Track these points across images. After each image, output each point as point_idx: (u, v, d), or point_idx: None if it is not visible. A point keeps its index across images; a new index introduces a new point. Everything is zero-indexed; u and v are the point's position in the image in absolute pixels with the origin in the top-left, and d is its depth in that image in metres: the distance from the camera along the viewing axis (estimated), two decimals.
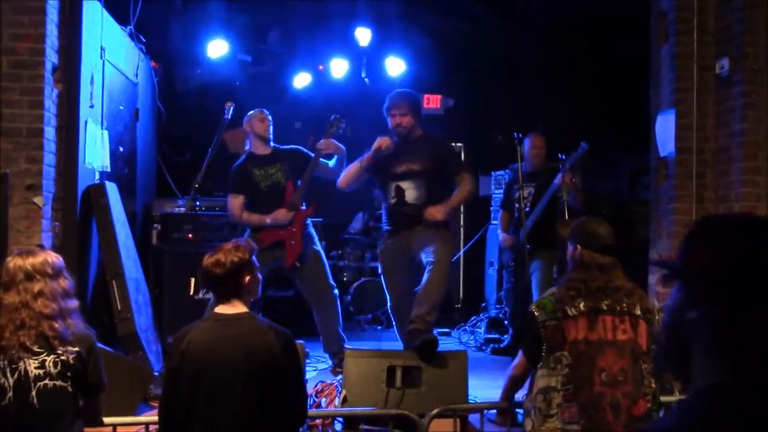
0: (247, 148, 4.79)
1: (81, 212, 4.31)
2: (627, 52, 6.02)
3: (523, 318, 2.95)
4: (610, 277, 2.76)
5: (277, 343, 2.55)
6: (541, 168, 5.21)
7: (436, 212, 4.04)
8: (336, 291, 4.69)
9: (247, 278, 2.65)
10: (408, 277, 4.25)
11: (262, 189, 4.60)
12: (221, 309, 2.64)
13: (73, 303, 2.64)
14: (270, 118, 4.70)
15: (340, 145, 4.64)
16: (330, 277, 4.68)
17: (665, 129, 4.42)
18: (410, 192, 4.22)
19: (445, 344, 5.48)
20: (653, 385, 2.68)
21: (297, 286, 4.94)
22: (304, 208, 4.63)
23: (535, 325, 2.74)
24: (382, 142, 4.24)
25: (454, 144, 7.74)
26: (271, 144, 4.71)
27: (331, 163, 4.70)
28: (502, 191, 6.57)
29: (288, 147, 4.78)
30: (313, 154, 4.65)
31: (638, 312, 2.72)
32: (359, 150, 4.57)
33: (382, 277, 4.37)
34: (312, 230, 4.71)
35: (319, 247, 4.72)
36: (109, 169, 4.75)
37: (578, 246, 2.85)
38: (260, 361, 2.51)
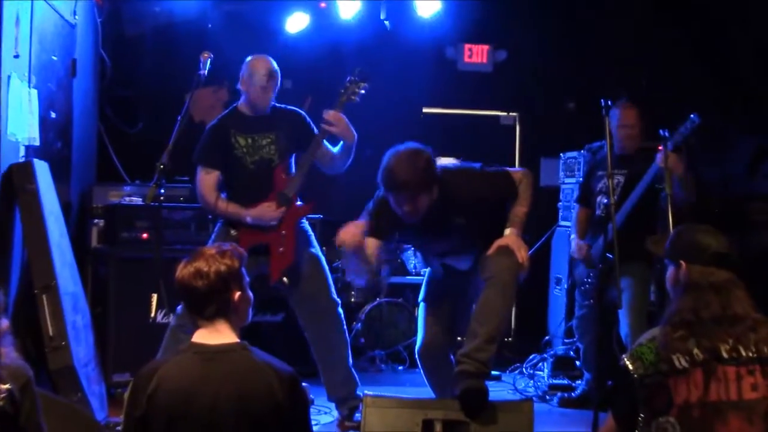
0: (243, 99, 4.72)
1: (0, 201, 4.36)
2: None
3: (614, 372, 2.96)
4: (729, 301, 2.77)
5: (278, 385, 2.59)
6: (635, 150, 5.23)
7: (525, 262, 3.95)
8: (341, 310, 4.73)
9: (237, 294, 2.70)
10: (453, 319, 4.31)
11: (247, 166, 4.61)
12: (202, 337, 2.68)
13: (4, 323, 2.69)
14: (278, 77, 4.64)
15: (352, 129, 4.58)
16: (333, 290, 4.72)
17: None
18: (460, 263, 4.25)
19: (495, 392, 5.51)
20: None
21: (289, 307, 4.99)
22: (300, 204, 4.65)
23: (630, 383, 2.75)
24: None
25: (506, 114, 7.81)
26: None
27: (336, 148, 4.68)
28: (574, 180, 6.62)
29: (286, 108, 4.77)
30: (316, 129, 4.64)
31: None
32: (375, 123, 4.56)
33: (421, 306, 4.41)
34: (307, 227, 4.75)
35: (317, 248, 4.75)
36: (37, 143, 4.82)
37: (682, 263, 2.86)
38: (256, 408, 2.56)
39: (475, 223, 4.03)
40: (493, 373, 6.18)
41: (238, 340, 2.70)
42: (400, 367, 6.56)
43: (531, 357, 6.38)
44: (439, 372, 4.31)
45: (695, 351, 2.70)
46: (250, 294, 2.80)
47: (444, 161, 4.12)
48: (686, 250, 2.88)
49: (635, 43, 7.06)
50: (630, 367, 2.77)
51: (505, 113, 7.82)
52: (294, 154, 4.70)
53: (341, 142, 4.62)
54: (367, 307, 6.67)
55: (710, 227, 2.95)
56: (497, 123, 7.88)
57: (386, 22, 7.16)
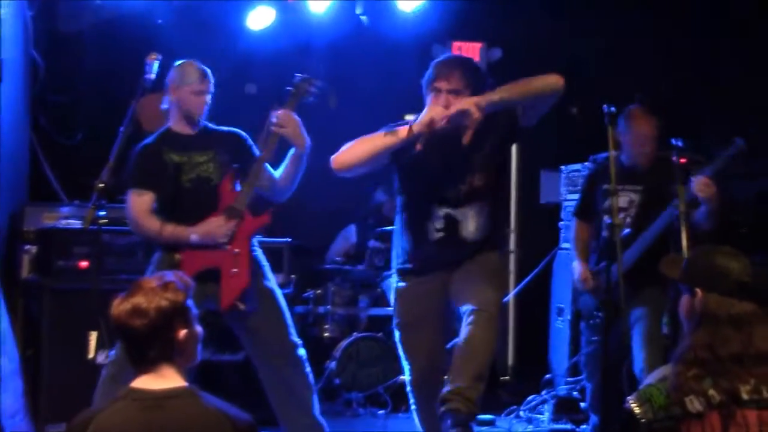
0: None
1: None
2: None
3: (617, 415, 2.98)
4: (751, 338, 2.76)
5: None
6: (650, 163, 5.22)
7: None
8: (302, 351, 4.71)
9: (182, 333, 2.70)
10: (442, 336, 4.29)
11: (183, 185, 4.60)
12: (143, 382, 2.68)
13: None
14: (211, 81, 4.70)
15: (305, 133, 4.60)
16: (292, 329, 4.70)
17: None
18: (469, 224, 4.20)
19: None
20: None
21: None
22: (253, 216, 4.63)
23: (637, 429, 2.76)
24: (437, 112, 4.05)
25: None
26: (201, 122, 4.73)
27: (278, 172, 4.68)
28: (577, 197, 6.61)
29: (223, 129, 4.80)
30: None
31: None
32: (350, 136, 4.59)
33: (397, 334, 4.40)
34: (260, 255, 4.73)
35: (272, 281, 4.73)
36: None
37: (698, 290, 2.87)
38: None
39: (498, 167, 4.21)
40: (487, 416, 6.19)
41: (185, 384, 2.69)
42: (381, 412, 6.52)
43: (530, 398, 6.40)
44: (432, 409, 4.26)
45: (711, 392, 2.70)
46: (199, 329, 2.79)
47: None
48: (703, 276, 2.87)
49: (647, 37, 7.10)
50: (637, 411, 2.77)
51: None
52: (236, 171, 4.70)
53: (292, 151, 4.63)
54: (343, 343, 6.66)
55: (733, 250, 2.93)
56: None
57: (363, 18, 7.20)
